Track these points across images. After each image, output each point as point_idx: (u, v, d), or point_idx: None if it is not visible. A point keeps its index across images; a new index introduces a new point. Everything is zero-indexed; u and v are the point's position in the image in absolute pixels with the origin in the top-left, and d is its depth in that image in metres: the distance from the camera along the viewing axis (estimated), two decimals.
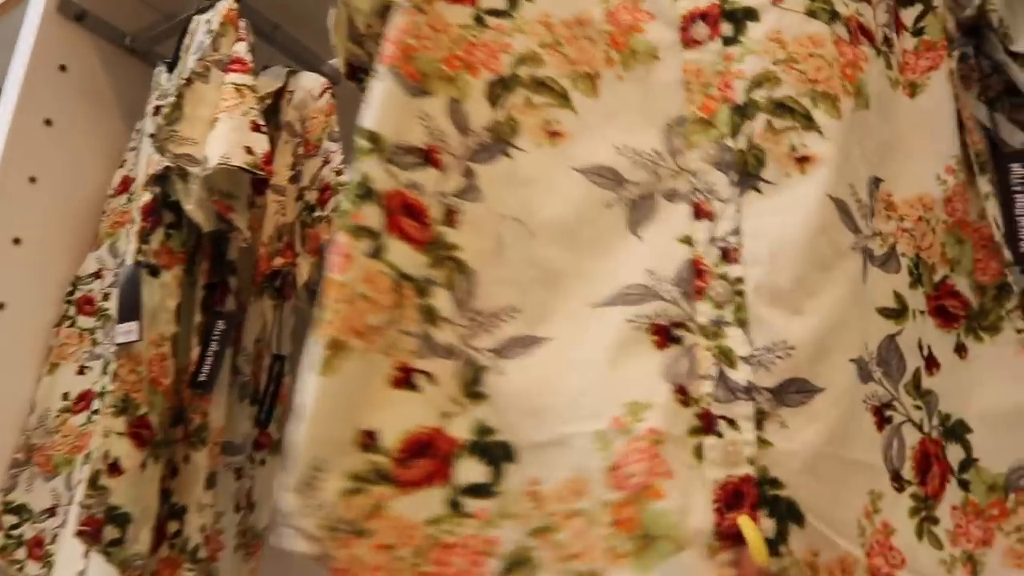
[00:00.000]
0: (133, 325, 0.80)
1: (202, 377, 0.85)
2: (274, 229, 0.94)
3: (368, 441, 0.51)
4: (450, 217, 0.58)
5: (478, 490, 0.52)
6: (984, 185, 0.62)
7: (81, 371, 1.04)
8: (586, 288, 0.57)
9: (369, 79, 0.65)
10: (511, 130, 0.61)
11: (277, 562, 1.06)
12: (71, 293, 1.07)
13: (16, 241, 1.04)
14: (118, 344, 0.80)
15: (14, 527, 0.98)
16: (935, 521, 0.56)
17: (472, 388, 0.55)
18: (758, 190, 0.58)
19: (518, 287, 0.58)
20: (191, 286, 0.89)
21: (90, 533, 0.76)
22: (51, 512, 0.99)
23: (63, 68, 1.11)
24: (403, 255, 0.55)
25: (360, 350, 0.52)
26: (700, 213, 0.58)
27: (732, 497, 0.51)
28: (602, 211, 0.59)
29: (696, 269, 0.56)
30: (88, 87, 1.14)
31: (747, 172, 0.58)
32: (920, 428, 0.58)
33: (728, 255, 0.56)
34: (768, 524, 0.50)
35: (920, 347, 0.59)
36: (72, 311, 1.06)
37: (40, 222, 1.07)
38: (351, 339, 0.52)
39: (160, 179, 0.85)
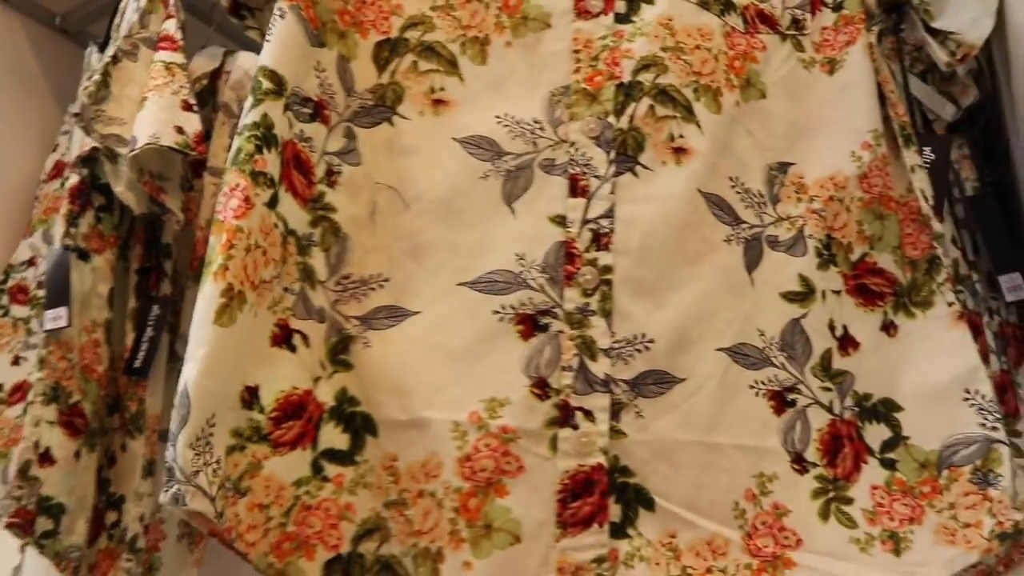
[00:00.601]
0: (62, 311, 0.78)
1: (137, 363, 0.83)
2: (211, 211, 0.92)
3: (249, 398, 0.51)
4: (330, 177, 0.59)
5: (338, 456, 0.54)
6: (911, 157, 0.63)
7: (16, 361, 1.01)
8: (455, 263, 0.58)
9: (255, 17, 0.64)
10: (395, 96, 0.62)
11: (223, 552, 1.04)
12: (3, 282, 1.04)
13: None
14: (47, 331, 0.78)
15: None
16: (847, 501, 0.56)
17: (338, 355, 0.56)
18: (635, 173, 0.59)
19: (388, 257, 0.59)
20: (124, 271, 0.87)
21: (21, 525, 0.74)
22: None
23: None
24: (290, 209, 0.56)
25: (252, 302, 0.52)
26: (576, 189, 0.59)
27: (581, 486, 0.54)
28: (477, 183, 0.60)
29: (568, 253, 0.57)
30: (17, 69, 1.11)
31: (626, 153, 0.59)
32: (829, 410, 0.59)
33: (599, 240, 0.58)
34: (615, 510, 0.54)
35: (832, 328, 0.60)
36: (5, 300, 1.03)
37: None
38: (247, 290, 0.51)
39: (88, 160, 0.83)
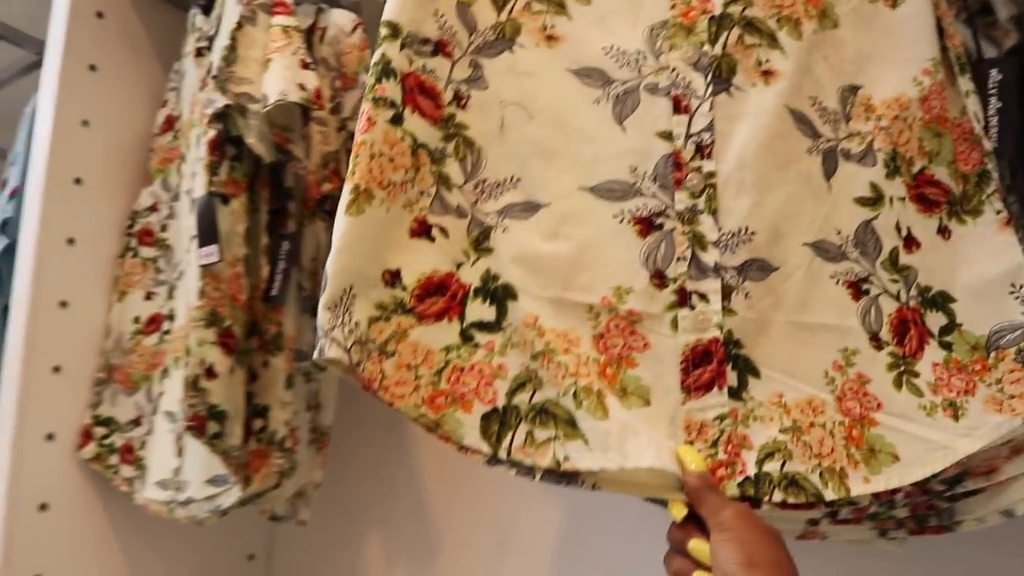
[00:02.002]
0: (213, 248, 0.90)
1: (274, 292, 0.96)
2: (320, 157, 1.03)
3: (391, 279, 0.64)
4: (459, 101, 0.71)
5: (487, 326, 0.66)
6: (965, 84, 0.71)
7: (148, 297, 1.14)
8: (577, 170, 0.69)
9: None
10: (514, 30, 0.73)
11: (338, 457, 1.19)
12: (131, 226, 1.17)
13: (77, 181, 1.13)
14: (201, 265, 0.90)
15: (104, 437, 1.10)
16: (915, 375, 0.66)
17: (481, 244, 0.68)
18: (729, 93, 0.70)
19: (517, 161, 0.70)
20: (255, 212, 0.98)
21: (196, 427, 0.88)
22: (136, 422, 1.11)
23: (100, 15, 1.18)
24: (419, 127, 0.68)
25: (381, 199, 0.64)
26: (679, 107, 0.69)
27: (701, 356, 0.65)
28: (591, 106, 0.71)
29: (676, 162, 0.68)
30: (126, 32, 1.21)
31: (720, 76, 0.70)
32: (897, 298, 0.68)
33: (702, 151, 0.68)
34: (732, 376, 0.65)
35: (898, 229, 0.69)
36: (134, 243, 1.16)
37: (96, 163, 1.15)
38: (374, 188, 0.64)
39: (221, 117, 0.94)
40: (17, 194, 1.27)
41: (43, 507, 1.05)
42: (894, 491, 0.65)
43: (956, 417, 0.64)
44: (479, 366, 0.64)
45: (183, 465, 1.01)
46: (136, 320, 1.14)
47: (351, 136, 1.02)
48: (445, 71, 0.71)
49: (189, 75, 1.15)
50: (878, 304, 0.68)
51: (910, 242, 0.69)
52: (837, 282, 0.67)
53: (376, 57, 0.67)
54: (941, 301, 0.67)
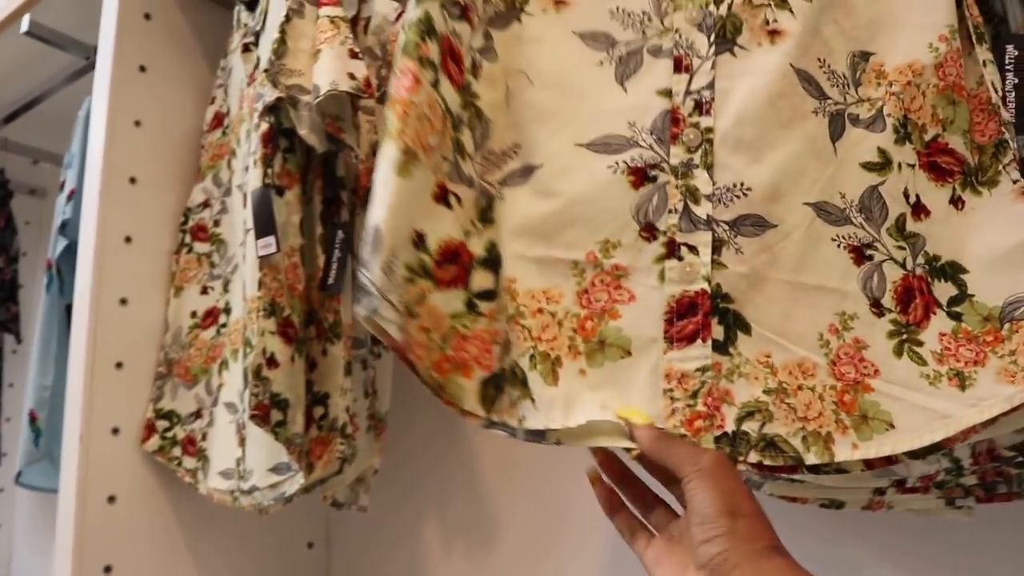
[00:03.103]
0: (271, 239, 0.92)
1: (330, 281, 0.97)
2: (369, 147, 1.04)
3: (419, 241, 0.64)
4: (475, 69, 0.71)
5: (487, 295, 0.66)
6: (982, 54, 0.68)
7: (204, 291, 1.16)
8: (573, 128, 0.70)
9: None
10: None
11: (393, 443, 1.21)
12: (184, 222, 1.19)
13: (132, 180, 1.16)
14: (260, 256, 0.92)
15: (167, 430, 1.12)
16: (918, 343, 0.64)
17: (486, 215, 0.69)
18: (732, 53, 0.69)
19: (518, 128, 0.71)
20: (309, 202, 1.00)
21: (261, 416, 0.89)
22: (197, 415, 1.13)
23: (147, 16, 1.20)
24: (448, 91, 0.68)
25: (423, 161, 0.64)
26: (680, 66, 0.69)
27: (686, 308, 0.65)
28: (593, 68, 0.71)
29: (673, 117, 0.68)
30: (172, 32, 1.23)
31: (724, 36, 0.69)
32: (903, 266, 0.66)
33: (701, 107, 0.68)
34: (718, 330, 0.65)
35: (906, 195, 0.67)
36: (188, 239, 1.18)
37: (149, 161, 1.18)
38: (419, 151, 0.64)
39: (273, 110, 0.95)
40: (74, 196, 1.30)
41: (111, 499, 1.08)
42: (956, 457, 0.65)
43: (963, 387, 0.61)
44: (480, 334, 0.64)
45: (245, 455, 1.02)
46: (193, 314, 1.16)
47: None
48: (467, 37, 0.71)
49: (236, 71, 1.17)
50: (881, 270, 0.66)
51: (919, 209, 0.67)
52: (839, 245, 0.66)
53: (419, 14, 0.66)
54: (951, 271, 0.65)
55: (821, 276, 0.65)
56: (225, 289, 1.15)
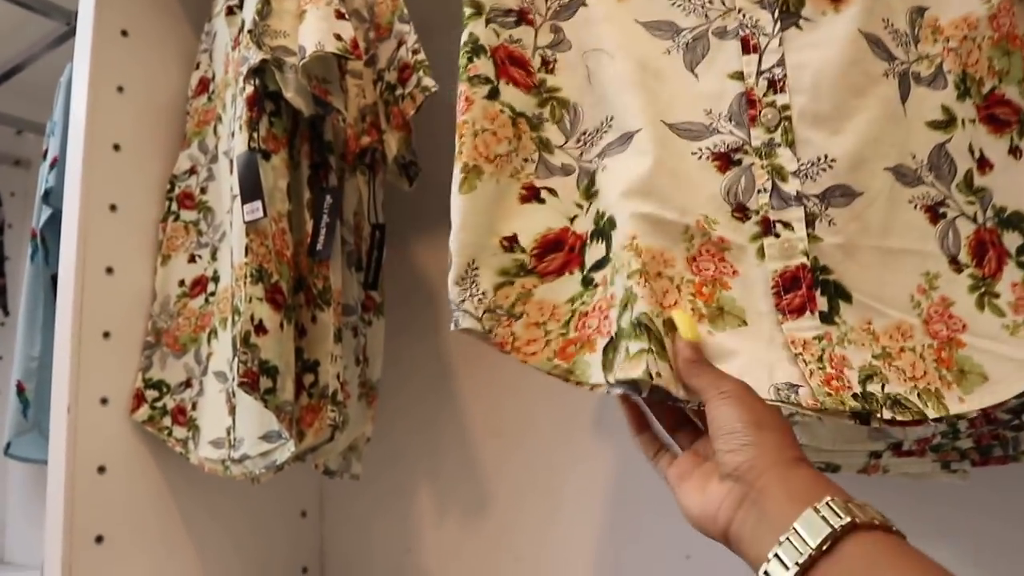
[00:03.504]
0: (257, 204, 0.90)
1: (319, 246, 0.95)
2: (357, 111, 1.02)
3: (510, 244, 0.67)
4: (547, 65, 0.73)
5: (599, 264, 0.66)
6: None
7: (192, 259, 1.15)
8: (657, 107, 0.69)
9: None
10: None
11: (386, 411, 1.20)
12: (171, 190, 1.17)
13: (116, 148, 1.14)
14: (247, 222, 0.90)
15: (156, 400, 1.11)
16: (995, 295, 0.66)
17: (590, 190, 0.70)
18: (798, 26, 0.69)
19: (607, 101, 0.71)
20: (296, 167, 0.98)
21: (249, 383, 0.88)
22: (187, 384, 1.12)
23: None
24: (514, 96, 0.71)
25: (491, 172, 0.68)
26: (748, 47, 0.69)
27: (790, 282, 0.64)
28: (661, 56, 0.71)
29: (749, 100, 0.68)
30: None
31: (788, 10, 0.69)
32: (974, 220, 0.68)
33: (775, 85, 0.67)
34: (822, 301, 0.64)
35: (971, 151, 0.68)
36: (175, 207, 1.16)
37: (133, 128, 1.16)
38: (482, 163, 0.67)
39: (258, 72, 0.93)
40: (57, 164, 1.28)
41: (101, 470, 1.07)
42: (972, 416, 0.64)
43: None
44: (598, 304, 0.65)
45: (236, 423, 1.01)
46: (181, 283, 1.14)
47: (388, 87, 1.01)
48: (530, 39, 0.73)
49: (220, 35, 1.14)
50: (955, 227, 0.67)
51: (983, 164, 0.68)
52: (915, 207, 0.67)
53: (464, 37, 0.70)
54: (1016, 220, 0.66)
55: (904, 239, 0.66)
56: (213, 257, 1.13)
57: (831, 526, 0.44)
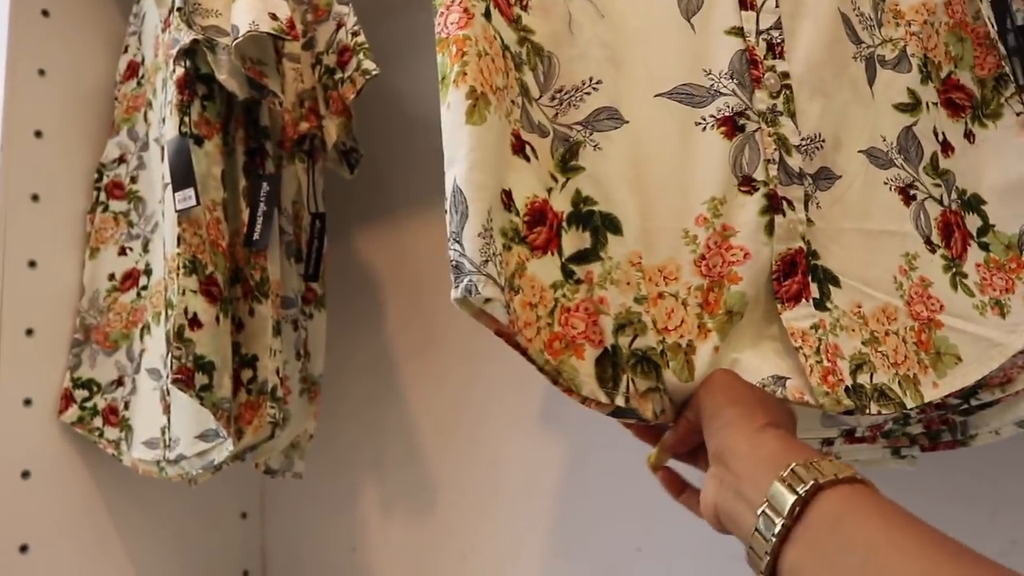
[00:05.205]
0: (190, 191, 0.86)
1: (255, 236, 0.91)
2: (295, 95, 0.98)
3: (507, 200, 0.56)
4: (521, 0, 0.64)
5: (583, 256, 0.60)
6: None
7: (122, 252, 1.09)
8: (649, 76, 0.65)
9: None
10: None
11: (326, 407, 1.17)
12: (99, 180, 1.11)
13: (37, 134, 1.07)
14: (178, 210, 0.86)
15: (86, 400, 1.06)
16: (964, 276, 0.66)
17: (568, 163, 0.62)
18: None
19: (594, 62, 0.65)
20: (231, 154, 0.94)
21: (184, 380, 0.84)
22: (119, 383, 1.07)
23: None
24: (501, 26, 0.61)
25: (495, 105, 0.55)
26: (746, 3, 0.65)
27: (788, 267, 0.62)
28: (653, 3, 0.66)
29: (751, 59, 0.64)
30: None
31: None
32: (940, 202, 0.68)
33: (774, 49, 0.65)
34: (814, 287, 0.63)
35: (936, 134, 0.69)
36: (103, 196, 1.11)
37: (56, 114, 1.09)
38: (488, 92, 0.55)
39: (189, 53, 0.89)
40: None
41: (25, 475, 1.01)
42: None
43: (1003, 315, 0.64)
44: (583, 304, 0.58)
45: (171, 423, 0.97)
46: (111, 277, 1.09)
47: (327, 71, 0.98)
48: None
49: (150, 16, 1.09)
50: (924, 208, 0.67)
51: (946, 147, 0.69)
52: (890, 188, 0.67)
53: None
54: (975, 203, 0.68)
55: (883, 220, 0.66)
56: (145, 249, 1.08)
57: (796, 493, 0.44)
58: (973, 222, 0.67)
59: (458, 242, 0.51)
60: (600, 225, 0.61)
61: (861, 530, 0.42)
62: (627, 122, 0.64)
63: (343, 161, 1.01)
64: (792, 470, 0.46)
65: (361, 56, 0.93)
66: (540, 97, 0.63)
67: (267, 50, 0.91)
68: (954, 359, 0.63)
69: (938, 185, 0.68)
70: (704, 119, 0.64)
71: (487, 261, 0.51)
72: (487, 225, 0.52)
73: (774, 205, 0.62)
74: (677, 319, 0.60)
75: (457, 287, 0.51)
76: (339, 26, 0.97)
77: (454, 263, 0.51)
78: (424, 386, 1.20)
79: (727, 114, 0.64)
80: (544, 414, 1.08)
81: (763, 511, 0.46)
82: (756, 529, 0.46)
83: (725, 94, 0.64)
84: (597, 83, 0.64)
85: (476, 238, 0.51)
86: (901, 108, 0.68)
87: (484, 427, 1.13)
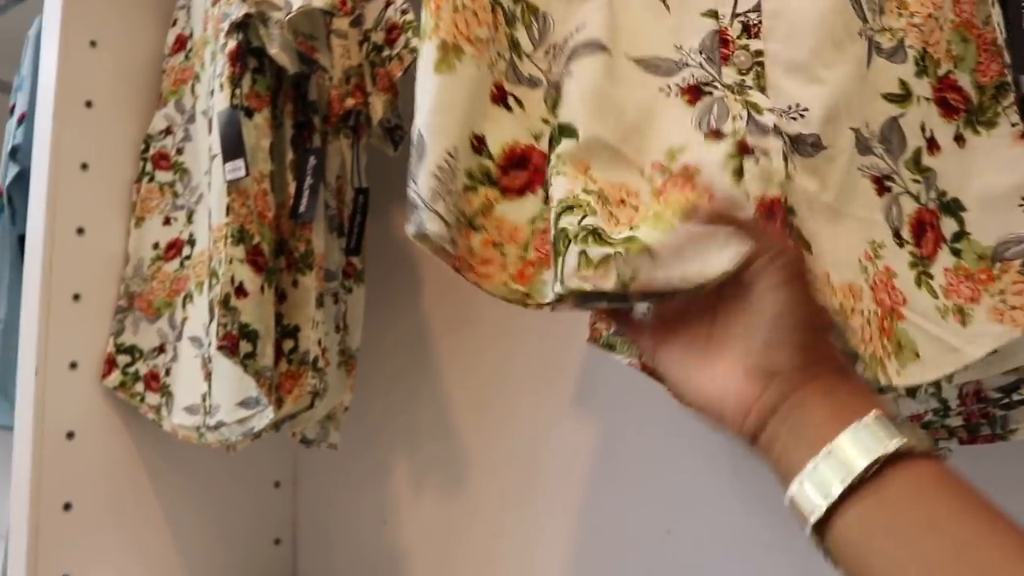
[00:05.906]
0: (239, 162, 0.87)
1: (301, 208, 0.93)
2: (342, 72, 0.99)
3: (479, 145, 0.60)
4: None
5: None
6: None
7: (167, 222, 1.12)
8: (621, 41, 0.65)
9: None
10: None
11: (362, 380, 1.18)
12: (145, 150, 1.13)
13: (88, 104, 1.10)
14: (228, 181, 0.87)
15: (128, 365, 1.08)
16: (931, 276, 0.64)
17: (557, 105, 0.64)
18: None
19: (580, 16, 0.66)
20: (279, 127, 0.95)
21: (229, 347, 0.86)
22: (160, 349, 1.09)
23: None
24: None
25: (472, 55, 0.60)
26: None
27: (766, 214, 0.61)
28: None
29: (722, 39, 0.65)
30: None
31: None
32: (917, 199, 0.66)
33: (749, 30, 0.65)
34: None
35: (923, 129, 0.67)
36: (149, 167, 1.13)
37: (107, 85, 1.12)
38: (463, 43, 0.59)
39: (241, 26, 0.90)
40: (25, 120, 1.24)
41: (70, 435, 1.04)
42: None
43: (964, 323, 0.62)
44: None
45: (211, 389, 0.99)
46: (155, 246, 1.11)
47: (375, 48, 0.98)
48: None
49: None
50: (899, 203, 0.66)
51: (932, 144, 0.67)
52: (863, 175, 0.65)
53: None
54: (954, 207, 0.65)
55: (852, 204, 0.64)
56: (189, 220, 1.10)
57: (878, 450, 0.40)
58: (949, 226, 0.65)
59: (414, 181, 0.56)
60: (563, 133, 0.61)
61: (950, 515, 0.39)
62: (608, 52, 0.64)
63: (387, 138, 1.02)
64: (877, 418, 0.42)
65: (409, 34, 0.94)
66: (533, 52, 0.65)
67: (318, 25, 0.92)
68: (913, 354, 0.62)
69: (918, 181, 0.66)
70: (668, 87, 0.64)
71: (437, 198, 0.56)
72: (443, 166, 0.56)
73: (743, 150, 0.61)
74: (627, 217, 0.59)
75: (409, 222, 0.56)
76: (388, 4, 0.97)
77: (410, 200, 0.56)
78: (459, 363, 1.21)
79: (691, 83, 0.64)
80: (579, 395, 1.09)
81: (824, 460, 0.42)
82: (808, 478, 0.42)
83: (692, 66, 0.64)
84: (582, 27, 0.65)
85: (430, 176, 0.56)
86: (890, 98, 0.66)
87: (518, 406, 1.14)
